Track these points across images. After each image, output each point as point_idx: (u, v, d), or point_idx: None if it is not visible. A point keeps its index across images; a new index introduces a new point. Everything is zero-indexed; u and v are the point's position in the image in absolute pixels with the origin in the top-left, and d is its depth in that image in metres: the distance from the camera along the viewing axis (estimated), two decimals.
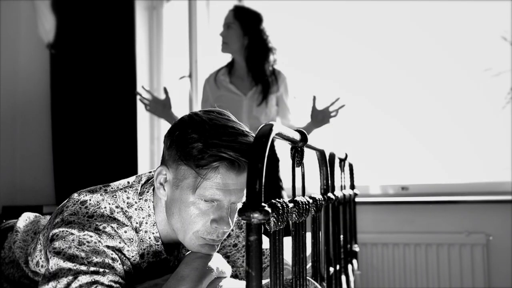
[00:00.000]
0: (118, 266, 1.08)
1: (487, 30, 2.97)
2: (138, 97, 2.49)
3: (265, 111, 2.49)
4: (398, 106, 3.14)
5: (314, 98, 2.43)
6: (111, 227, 1.11)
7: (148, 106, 2.45)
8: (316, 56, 3.24)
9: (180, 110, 2.49)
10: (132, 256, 1.15)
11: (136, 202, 1.17)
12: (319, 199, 1.09)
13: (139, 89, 2.54)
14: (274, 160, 2.52)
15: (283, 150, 2.61)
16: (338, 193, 1.46)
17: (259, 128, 0.78)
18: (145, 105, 2.46)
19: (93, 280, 1.02)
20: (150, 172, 1.24)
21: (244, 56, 2.52)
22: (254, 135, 1.03)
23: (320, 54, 3.23)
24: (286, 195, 2.55)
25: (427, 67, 3.09)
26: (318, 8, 3.23)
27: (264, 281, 1.00)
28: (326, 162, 1.24)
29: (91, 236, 1.08)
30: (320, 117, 2.42)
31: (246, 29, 2.49)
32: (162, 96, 2.47)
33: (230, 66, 2.58)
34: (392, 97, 3.15)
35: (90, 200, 1.15)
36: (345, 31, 3.22)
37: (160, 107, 2.44)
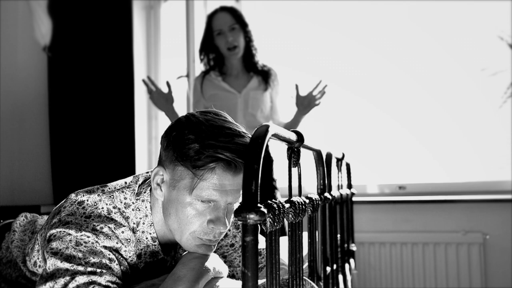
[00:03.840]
0: (115, 266, 1.08)
1: (484, 30, 2.97)
2: (143, 84, 2.50)
3: (260, 108, 2.49)
4: (395, 105, 3.15)
5: (297, 86, 2.45)
6: (109, 227, 1.11)
7: (151, 95, 2.46)
8: (314, 56, 3.24)
9: (177, 110, 2.49)
10: (129, 257, 1.15)
11: (133, 203, 1.17)
12: (315, 199, 1.09)
13: (144, 78, 2.54)
14: (268, 160, 2.52)
15: (276, 149, 2.62)
16: (335, 192, 1.46)
17: (256, 129, 0.78)
18: (149, 93, 2.47)
19: (90, 280, 1.02)
20: (148, 172, 1.24)
21: (242, 54, 2.52)
22: (250, 136, 1.03)
23: (319, 54, 3.23)
24: (279, 195, 2.55)
25: (425, 67, 3.10)
26: (317, 8, 3.24)
27: (260, 281, 1.00)
28: (323, 162, 1.24)
29: (88, 237, 1.08)
30: (306, 103, 2.43)
31: (245, 29, 2.50)
32: (165, 90, 2.47)
33: (220, 67, 2.58)
34: (390, 96, 3.15)
35: (87, 200, 1.15)
36: (343, 30, 3.22)
37: (163, 100, 2.44)
